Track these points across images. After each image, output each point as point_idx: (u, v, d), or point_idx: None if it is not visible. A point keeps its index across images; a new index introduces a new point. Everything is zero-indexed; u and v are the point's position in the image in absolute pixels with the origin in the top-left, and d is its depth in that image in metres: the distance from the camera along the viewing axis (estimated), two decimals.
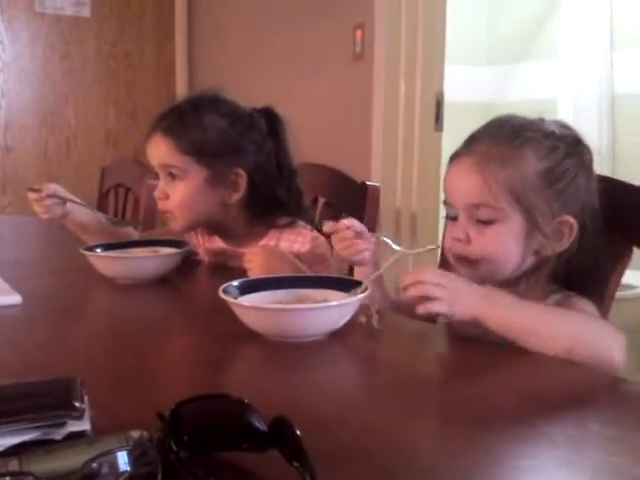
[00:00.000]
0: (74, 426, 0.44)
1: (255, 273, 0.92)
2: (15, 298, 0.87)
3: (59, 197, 1.15)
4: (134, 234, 1.25)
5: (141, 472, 0.39)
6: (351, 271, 0.92)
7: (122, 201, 1.69)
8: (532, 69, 3.18)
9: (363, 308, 0.76)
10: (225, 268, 1.10)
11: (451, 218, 0.80)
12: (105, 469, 0.37)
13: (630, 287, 1.91)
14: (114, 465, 0.38)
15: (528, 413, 0.54)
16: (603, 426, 0.51)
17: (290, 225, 1.09)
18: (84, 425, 0.45)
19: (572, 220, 0.76)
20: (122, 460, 0.38)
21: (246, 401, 0.43)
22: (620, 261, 0.84)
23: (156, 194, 1.08)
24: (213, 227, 1.12)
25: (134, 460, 0.38)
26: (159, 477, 0.39)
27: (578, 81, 2.93)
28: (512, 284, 0.79)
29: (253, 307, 0.73)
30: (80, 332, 0.81)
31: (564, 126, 0.80)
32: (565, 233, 0.77)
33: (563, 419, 0.54)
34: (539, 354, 0.67)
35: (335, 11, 2.35)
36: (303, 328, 0.72)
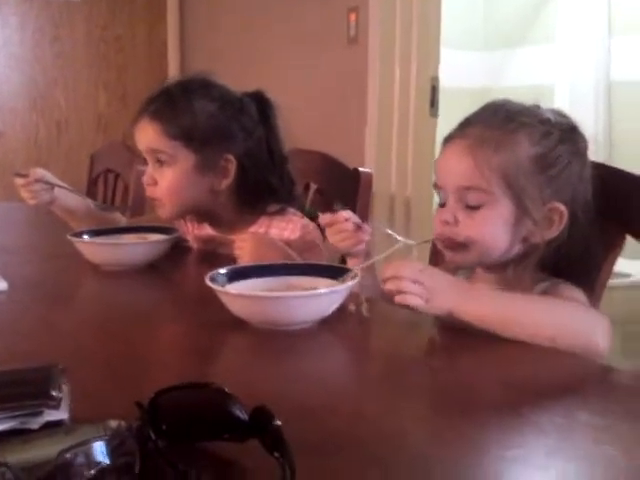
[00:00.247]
0: (51, 415, 0.44)
1: (245, 260, 0.91)
2: (1, 284, 0.86)
3: (47, 182, 1.14)
4: (122, 220, 1.24)
5: (119, 462, 0.38)
6: (344, 261, 0.92)
7: (111, 187, 1.67)
8: (529, 54, 3.15)
9: (353, 296, 0.75)
10: (214, 255, 1.09)
11: (441, 205, 0.80)
12: (80, 459, 0.36)
13: (623, 275, 1.90)
14: (90, 455, 0.37)
15: (516, 402, 0.54)
16: (591, 415, 0.51)
17: (280, 212, 1.08)
18: (62, 414, 0.44)
19: (562, 207, 0.75)
20: (98, 450, 0.37)
21: (227, 390, 0.42)
22: (612, 250, 0.83)
23: (144, 180, 1.06)
24: (202, 214, 1.10)
25: (112, 450, 0.37)
26: (137, 467, 0.38)
27: (575, 67, 2.91)
28: (499, 270, 0.79)
29: (239, 295, 0.72)
30: (67, 319, 0.80)
31: (560, 114, 0.79)
32: (555, 220, 0.76)
33: (551, 408, 0.53)
34: (527, 343, 0.66)
35: None
36: (291, 316, 0.71)
